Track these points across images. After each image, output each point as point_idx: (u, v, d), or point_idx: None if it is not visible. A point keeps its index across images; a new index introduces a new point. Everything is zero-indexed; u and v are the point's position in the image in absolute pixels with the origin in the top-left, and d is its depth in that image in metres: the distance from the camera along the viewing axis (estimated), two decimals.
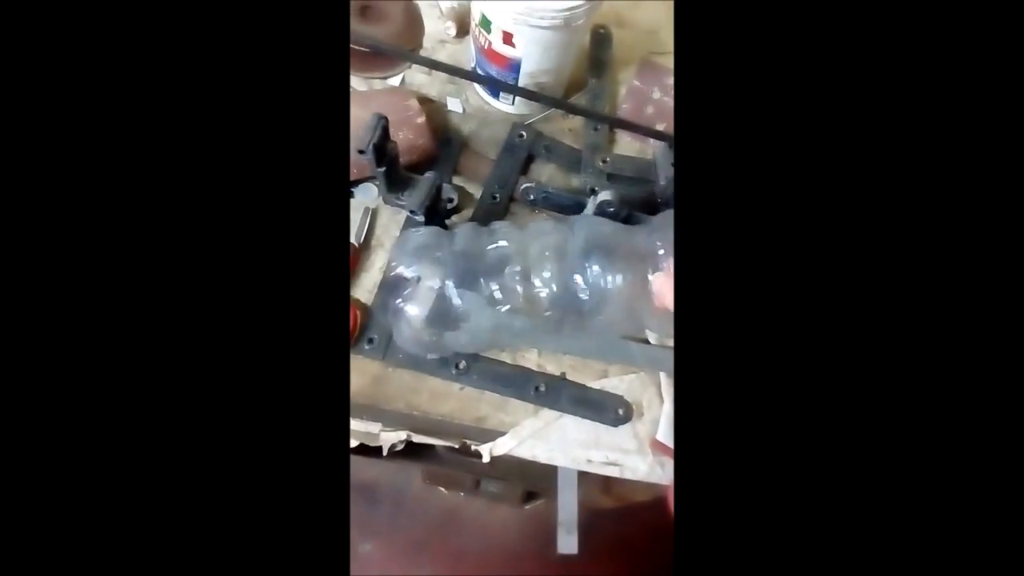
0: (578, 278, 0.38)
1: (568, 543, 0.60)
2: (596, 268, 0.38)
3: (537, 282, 0.38)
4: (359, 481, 0.97)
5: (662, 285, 0.36)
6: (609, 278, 0.38)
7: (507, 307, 0.38)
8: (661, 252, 0.38)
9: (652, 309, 0.39)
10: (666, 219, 0.41)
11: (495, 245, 0.39)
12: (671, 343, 0.45)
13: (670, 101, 0.56)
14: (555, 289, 0.38)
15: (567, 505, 0.60)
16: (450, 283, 0.38)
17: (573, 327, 0.40)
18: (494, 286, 0.38)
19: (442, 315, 0.38)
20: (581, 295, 0.38)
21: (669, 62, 0.57)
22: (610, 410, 0.42)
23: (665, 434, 0.41)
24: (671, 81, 0.57)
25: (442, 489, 1.05)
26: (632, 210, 0.46)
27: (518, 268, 0.38)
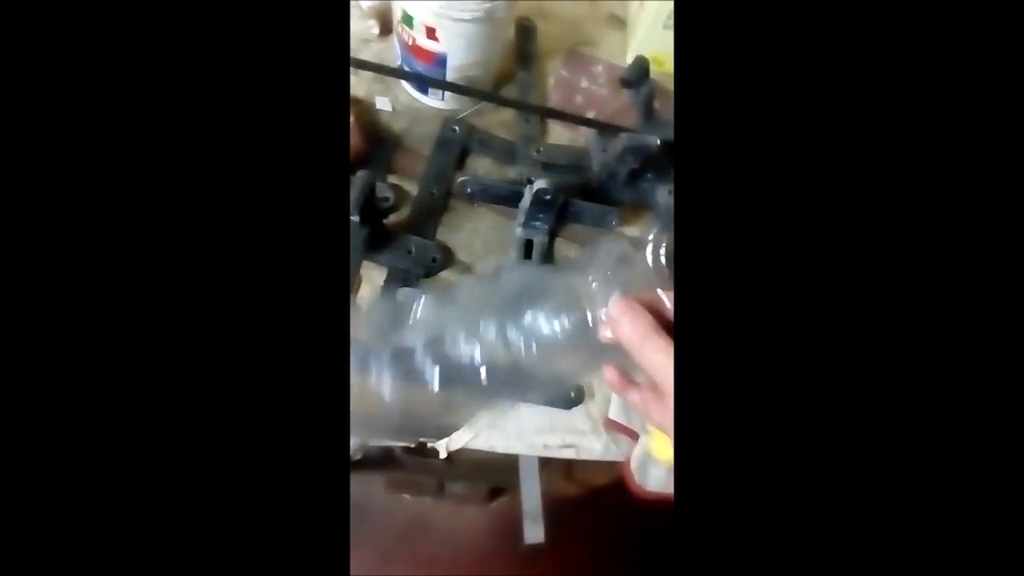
0: (516, 335, 0.34)
1: (535, 533, 0.60)
2: (539, 318, 0.34)
3: (473, 351, 0.34)
4: None
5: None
6: (555, 324, 0.33)
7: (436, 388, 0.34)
8: (594, 286, 0.33)
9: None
10: (594, 251, 0.37)
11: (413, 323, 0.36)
12: None
13: (599, 90, 0.57)
14: (497, 353, 0.34)
15: (531, 495, 0.61)
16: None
17: (521, 390, 0.37)
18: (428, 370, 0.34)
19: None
20: (524, 353, 0.34)
21: (594, 53, 0.59)
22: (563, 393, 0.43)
23: (616, 411, 0.42)
24: (598, 70, 0.58)
25: (407, 496, 1.03)
26: (568, 196, 0.47)
27: (458, 340, 0.34)
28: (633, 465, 0.41)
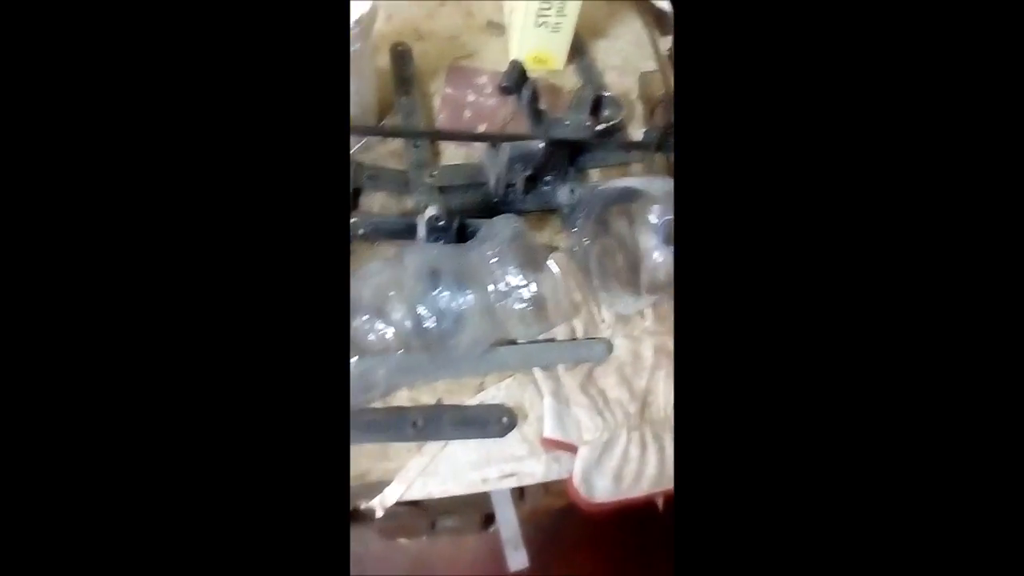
0: (423, 309, 0.38)
1: (517, 559, 0.57)
2: (444, 293, 0.38)
3: (383, 324, 0.38)
4: None
5: None
6: (460, 299, 0.38)
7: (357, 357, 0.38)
8: (494, 261, 0.38)
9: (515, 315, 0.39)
10: (491, 229, 0.41)
11: None
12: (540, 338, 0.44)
13: (486, 101, 0.56)
14: (408, 325, 0.38)
15: (507, 521, 0.58)
16: None
17: (439, 357, 0.40)
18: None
19: None
20: (433, 323, 0.38)
21: (475, 64, 0.58)
22: (494, 422, 0.41)
23: (552, 428, 0.41)
24: (483, 81, 0.57)
25: (403, 540, 1.00)
26: (466, 218, 0.46)
27: (363, 317, 0.38)
28: (576, 480, 0.40)
